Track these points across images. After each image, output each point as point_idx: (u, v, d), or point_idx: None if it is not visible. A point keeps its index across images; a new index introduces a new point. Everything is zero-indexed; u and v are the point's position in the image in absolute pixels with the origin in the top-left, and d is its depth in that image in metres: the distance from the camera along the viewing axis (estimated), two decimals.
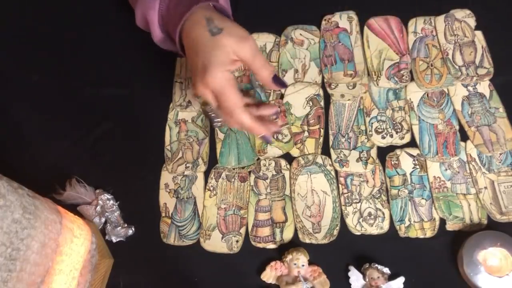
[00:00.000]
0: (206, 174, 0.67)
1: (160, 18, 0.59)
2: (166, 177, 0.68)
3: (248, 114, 0.53)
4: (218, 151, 0.68)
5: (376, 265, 0.59)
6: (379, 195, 0.64)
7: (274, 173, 0.67)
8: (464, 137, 0.66)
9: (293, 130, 0.68)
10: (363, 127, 0.68)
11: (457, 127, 0.67)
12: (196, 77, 0.53)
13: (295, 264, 0.60)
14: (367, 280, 0.59)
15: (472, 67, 0.69)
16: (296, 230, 0.64)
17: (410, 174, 0.65)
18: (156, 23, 0.60)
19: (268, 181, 0.66)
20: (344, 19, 0.73)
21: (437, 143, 0.66)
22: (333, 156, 0.67)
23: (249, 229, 0.64)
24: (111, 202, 0.65)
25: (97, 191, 0.66)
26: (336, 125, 0.68)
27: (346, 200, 0.65)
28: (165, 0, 0.58)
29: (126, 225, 0.65)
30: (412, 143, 0.66)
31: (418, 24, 0.72)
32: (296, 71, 0.71)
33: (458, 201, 0.63)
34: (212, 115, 0.58)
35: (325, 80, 0.70)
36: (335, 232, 0.63)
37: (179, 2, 0.56)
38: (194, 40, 0.53)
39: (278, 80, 0.55)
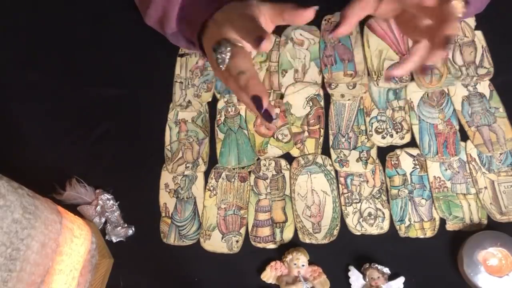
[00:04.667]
0: (206, 174, 0.67)
1: (181, 10, 0.60)
2: (166, 177, 0.68)
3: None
4: (218, 151, 0.68)
5: (376, 265, 0.59)
6: (379, 195, 0.64)
7: (274, 173, 0.67)
8: (464, 137, 0.66)
9: (293, 130, 0.68)
10: (363, 127, 0.68)
11: (457, 127, 0.67)
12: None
13: (295, 264, 0.60)
14: (367, 280, 0.59)
15: (472, 67, 0.69)
16: (296, 230, 0.64)
17: (410, 174, 0.65)
18: (175, 15, 0.61)
19: (268, 181, 0.66)
20: None
21: (437, 143, 0.66)
22: (333, 156, 0.67)
23: (249, 229, 0.64)
24: (111, 202, 0.65)
25: (97, 191, 0.66)
26: (336, 125, 0.68)
27: (346, 200, 0.65)
28: None
29: (126, 225, 0.65)
30: (412, 143, 0.66)
31: None
32: (296, 71, 0.71)
33: (458, 201, 0.63)
34: (221, 47, 0.54)
35: (325, 80, 0.70)
36: (335, 232, 0.63)
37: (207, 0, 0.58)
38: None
39: (303, 8, 0.55)
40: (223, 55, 0.52)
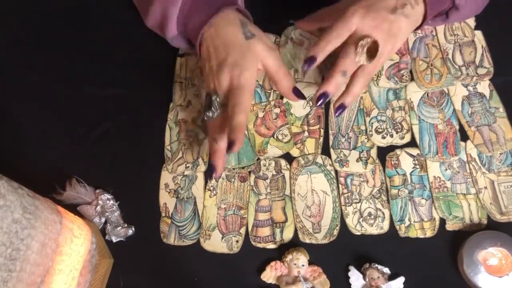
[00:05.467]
0: (206, 174, 0.67)
1: (180, 14, 0.61)
2: (166, 177, 0.68)
3: (246, 120, 0.55)
4: None
5: (376, 265, 0.59)
6: (379, 195, 0.64)
7: (274, 173, 0.67)
8: (464, 137, 0.66)
9: (293, 130, 0.68)
10: (363, 127, 0.68)
11: (457, 127, 0.67)
12: (223, 67, 0.56)
13: (295, 264, 0.60)
14: (367, 280, 0.59)
15: (472, 67, 0.69)
16: (296, 230, 0.64)
17: (410, 174, 0.65)
18: (175, 19, 0.61)
19: (268, 181, 0.66)
20: None
21: (437, 143, 0.66)
22: (333, 156, 0.67)
23: (249, 229, 0.64)
24: (111, 202, 0.65)
25: (97, 191, 0.66)
26: (336, 125, 0.68)
27: (346, 200, 0.65)
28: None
29: (126, 225, 0.65)
30: (412, 143, 0.66)
31: None
32: (296, 71, 0.71)
33: (458, 201, 0.63)
34: (212, 106, 0.57)
35: None
36: (335, 232, 0.63)
37: (204, 2, 0.59)
38: (227, 39, 0.57)
39: (298, 93, 0.59)
40: (212, 113, 0.56)
